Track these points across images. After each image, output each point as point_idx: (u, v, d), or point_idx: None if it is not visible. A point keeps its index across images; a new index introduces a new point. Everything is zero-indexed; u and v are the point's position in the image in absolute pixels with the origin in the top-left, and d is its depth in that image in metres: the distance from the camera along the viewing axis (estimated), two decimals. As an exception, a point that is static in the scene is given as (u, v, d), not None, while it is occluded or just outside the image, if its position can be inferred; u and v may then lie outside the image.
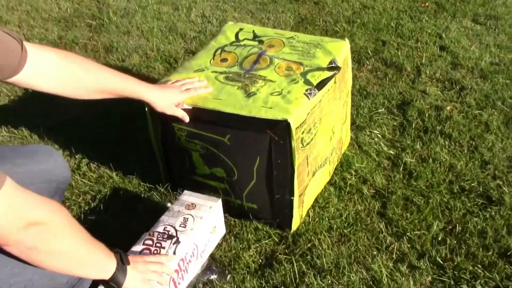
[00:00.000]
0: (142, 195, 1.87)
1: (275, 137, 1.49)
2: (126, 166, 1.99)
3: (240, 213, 1.73)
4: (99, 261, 1.21)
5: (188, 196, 1.62)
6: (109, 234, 1.68)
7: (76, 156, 2.06)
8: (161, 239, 1.45)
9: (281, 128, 1.47)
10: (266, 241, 1.68)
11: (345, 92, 1.86)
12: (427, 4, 3.34)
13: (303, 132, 1.53)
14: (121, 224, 1.75)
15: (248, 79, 1.63)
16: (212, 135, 1.57)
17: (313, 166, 1.68)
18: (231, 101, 1.53)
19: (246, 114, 1.49)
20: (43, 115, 2.30)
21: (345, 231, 1.70)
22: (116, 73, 1.46)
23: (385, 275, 1.55)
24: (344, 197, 1.83)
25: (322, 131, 1.68)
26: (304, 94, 1.54)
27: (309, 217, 1.76)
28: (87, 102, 1.48)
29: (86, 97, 1.46)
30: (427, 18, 3.14)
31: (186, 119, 1.57)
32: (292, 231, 1.70)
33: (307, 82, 1.59)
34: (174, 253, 1.41)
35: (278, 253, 1.65)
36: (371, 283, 1.54)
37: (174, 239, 1.44)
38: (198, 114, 1.56)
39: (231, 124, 1.52)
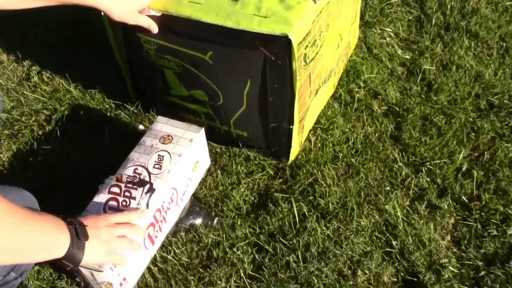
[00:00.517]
0: (108, 114, 1.55)
1: (271, 56, 1.14)
2: (87, 77, 1.64)
3: (226, 140, 1.43)
4: (47, 243, 0.91)
5: (162, 125, 1.29)
6: (68, 168, 1.40)
7: (24, 63, 1.70)
8: (130, 186, 1.15)
9: (279, 46, 1.12)
10: (259, 175, 1.40)
11: (357, -16, 1.47)
12: None
13: (307, 46, 1.18)
14: (82, 154, 1.45)
15: (234, -26, 1.24)
16: (189, 51, 1.21)
17: (316, 83, 1.35)
18: (213, 7, 1.16)
19: (233, 26, 1.13)
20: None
21: (352, 160, 1.42)
22: None
23: (400, 218, 1.30)
24: (351, 115, 1.53)
25: (329, 40, 1.33)
26: (309, -4, 1.17)
27: (310, 142, 1.46)
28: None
29: (21, 5, 1.08)
30: None
31: (154, 29, 1.21)
32: (289, 161, 1.42)
33: (312, -21, 1.21)
34: (147, 205, 1.12)
35: (273, 190, 1.37)
36: (384, 228, 1.30)
37: (147, 186, 1.15)
38: (169, 23, 1.20)
39: (214, 38, 1.17)
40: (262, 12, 1.12)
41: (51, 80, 1.65)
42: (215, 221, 1.32)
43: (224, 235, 1.29)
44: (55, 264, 1.19)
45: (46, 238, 0.90)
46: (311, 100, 1.36)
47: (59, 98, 1.59)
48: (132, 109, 1.54)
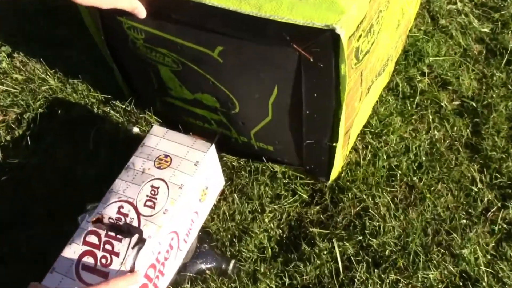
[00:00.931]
0: (94, 114, 1.20)
1: (309, 56, 0.76)
2: (68, 63, 1.28)
3: (246, 152, 1.08)
4: None
5: (159, 140, 0.93)
6: (42, 187, 1.08)
7: (-9, 43, 1.34)
8: (113, 234, 0.82)
9: (322, 42, 0.74)
10: (290, 200, 1.05)
11: None
12: None
13: (360, 37, 0.80)
14: (63, 164, 1.11)
15: None
16: (190, 44, 0.84)
17: (368, 80, 0.97)
18: (223, -18, 0.77)
19: (251, 12, 0.74)
20: None
21: (414, 179, 1.06)
22: None
23: (483, 268, 0.94)
24: (411, 113, 1.15)
25: (388, 20, 0.94)
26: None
27: (357, 152, 1.10)
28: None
29: None
30: None
31: (141, 13, 0.84)
32: (330, 181, 1.06)
33: None
34: (133, 264, 0.79)
35: (308, 221, 1.03)
36: (461, 283, 0.94)
37: (135, 239, 0.81)
38: (163, 5, 0.82)
39: (224, 28, 0.79)
40: (295, -8, 0.74)
41: (24, 65, 1.30)
42: (231, 265, 0.99)
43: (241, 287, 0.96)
44: None
45: None
46: (361, 103, 0.98)
47: (34, 89, 1.25)
48: (124, 106, 1.18)
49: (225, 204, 1.06)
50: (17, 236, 1.04)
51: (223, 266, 0.99)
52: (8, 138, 1.18)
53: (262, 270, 0.98)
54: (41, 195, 1.09)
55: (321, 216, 1.04)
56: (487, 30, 1.28)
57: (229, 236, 1.02)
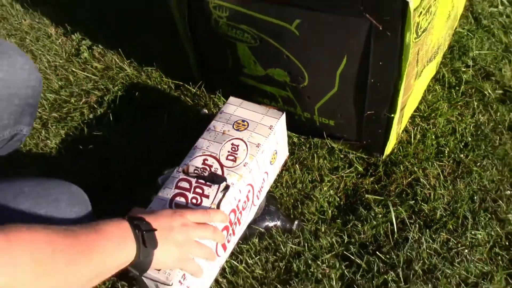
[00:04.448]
0: (167, 97, 1.33)
1: (379, 25, 0.88)
2: (142, 52, 1.43)
3: (307, 129, 1.19)
4: (108, 264, 0.72)
5: (235, 108, 1.06)
6: (122, 158, 1.20)
7: (73, 36, 1.50)
8: (202, 181, 0.93)
9: (392, 11, 0.86)
10: (347, 171, 1.16)
11: None
12: None
13: (421, 13, 0.92)
14: (139, 142, 1.24)
15: None
16: (270, 19, 0.97)
17: (422, 63, 1.09)
18: (303, -39, 0.91)
19: (330, -15, 0.87)
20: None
21: (461, 156, 1.16)
22: None
23: (528, 230, 1.03)
24: (457, 101, 1.26)
25: (442, 7, 1.06)
26: None
27: (408, 133, 1.20)
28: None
29: None
30: None
31: (228, -8, 0.97)
32: (384, 156, 1.17)
33: None
34: (219, 205, 0.90)
35: (364, 191, 1.13)
36: (507, 243, 1.03)
37: (223, 185, 0.92)
38: (247, -17, 0.96)
39: (303, 1, 0.92)
40: (368, -33, 0.87)
41: (103, 56, 1.45)
42: (295, 224, 1.09)
43: (305, 243, 1.06)
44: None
45: (109, 259, 0.72)
46: (415, 82, 1.10)
47: (112, 76, 1.39)
48: (194, 90, 1.32)
49: (287, 174, 1.17)
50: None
51: (287, 225, 1.09)
52: (91, 116, 1.32)
53: (323, 230, 1.08)
54: (121, 165, 1.22)
55: (375, 186, 1.14)
56: (526, 29, 1.40)
57: (292, 200, 1.13)
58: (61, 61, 1.45)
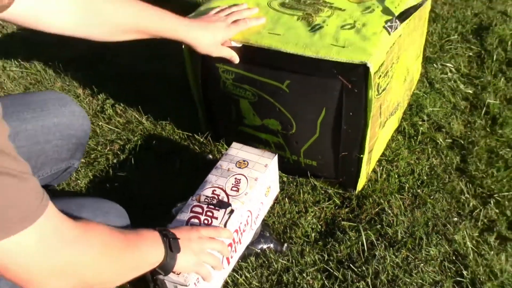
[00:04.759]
0: (178, 145, 1.61)
1: (348, 85, 1.19)
2: (158, 109, 1.71)
3: (294, 170, 1.47)
4: (145, 262, 0.97)
5: (237, 151, 1.35)
6: (142, 197, 1.45)
7: (99, 96, 1.79)
8: (212, 207, 1.20)
9: (358, 74, 1.17)
10: (326, 204, 1.43)
11: (423, 19, 1.52)
12: None
13: (380, 76, 1.22)
14: (155, 182, 1.50)
15: (310, 7, 1.31)
16: (267, 80, 1.27)
17: (385, 115, 1.39)
18: (292, 37, 1.22)
19: (312, 55, 1.18)
20: (60, 45, 1.99)
21: (418, 191, 1.44)
22: (148, 6, 1.15)
23: (470, 248, 1.30)
24: (415, 148, 1.55)
25: (398, 73, 1.38)
26: (384, 27, 1.22)
27: (376, 173, 1.49)
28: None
29: (109, 38, 1.16)
30: None
31: (235, 59, 1.27)
32: (356, 191, 1.44)
33: (386, 11, 1.27)
34: (225, 225, 1.16)
35: (340, 219, 1.40)
36: (453, 258, 1.30)
37: (229, 209, 1.19)
38: (249, 53, 1.26)
39: (292, 67, 1.22)
40: (340, 43, 1.18)
41: (124, 112, 1.73)
42: (284, 246, 1.35)
43: (293, 260, 1.31)
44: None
45: (146, 257, 0.96)
46: (379, 132, 1.39)
47: (132, 129, 1.67)
48: (201, 139, 1.60)
49: (278, 206, 1.43)
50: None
51: (278, 247, 1.35)
52: (114, 161, 1.58)
53: (307, 249, 1.33)
54: (141, 200, 1.48)
55: (350, 215, 1.41)
56: (470, 91, 1.71)
57: (282, 227, 1.39)
58: (88, 117, 1.73)
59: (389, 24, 1.23)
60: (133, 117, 1.70)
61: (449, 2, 2.10)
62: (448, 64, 1.81)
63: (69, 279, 0.81)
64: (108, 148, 1.62)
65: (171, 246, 1.00)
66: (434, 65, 1.80)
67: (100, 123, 1.69)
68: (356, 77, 1.17)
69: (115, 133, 1.67)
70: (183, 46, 1.33)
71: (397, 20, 1.24)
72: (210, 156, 1.57)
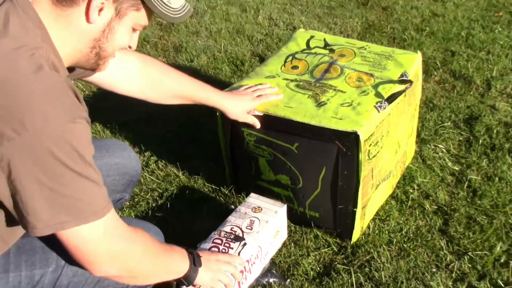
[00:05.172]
0: (207, 196, 1.93)
1: (343, 148, 1.51)
2: (193, 166, 2.06)
3: (301, 220, 1.76)
4: (174, 268, 1.27)
5: (254, 199, 1.66)
6: (174, 232, 1.76)
7: (145, 154, 2.15)
8: (229, 240, 1.50)
9: (350, 140, 1.49)
10: (325, 250, 1.71)
11: (414, 106, 1.86)
12: (500, 14, 3.27)
13: (370, 144, 1.54)
14: (185, 223, 1.81)
15: (318, 88, 1.66)
16: (281, 142, 1.61)
17: (377, 179, 1.69)
18: (302, 110, 1.57)
19: (316, 123, 1.52)
20: (117, 111, 2.40)
21: (404, 245, 1.71)
22: (193, 80, 1.53)
23: (444, 294, 1.55)
24: (405, 211, 1.84)
25: (388, 145, 1.69)
26: (374, 106, 1.55)
27: (370, 229, 1.77)
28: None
29: (162, 101, 1.53)
30: (500, 29, 3.08)
31: (257, 125, 1.62)
32: (352, 242, 1.72)
33: (378, 94, 1.61)
34: (239, 254, 1.45)
35: (336, 263, 1.67)
36: (429, 300, 1.55)
37: (242, 242, 1.49)
38: (268, 120, 1.61)
39: (301, 132, 1.56)
40: (338, 116, 1.52)
41: (165, 167, 2.08)
42: (287, 281, 1.62)
43: (294, 293, 1.58)
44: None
45: (175, 265, 1.26)
46: (372, 192, 1.69)
47: (170, 181, 2.01)
48: (226, 192, 1.92)
49: (285, 249, 1.72)
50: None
51: (282, 281, 1.63)
52: (153, 204, 1.91)
53: (306, 285, 1.60)
54: (174, 237, 1.78)
55: (344, 260, 1.68)
56: (456, 168, 2.01)
57: (287, 266, 1.67)
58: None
59: (379, 104, 1.56)
60: (172, 171, 2.04)
61: (446, 96, 2.45)
62: (440, 145, 2.12)
63: (119, 266, 1.12)
64: (149, 194, 1.96)
65: (195, 261, 1.30)
66: (428, 145, 2.12)
67: (144, 174, 2.03)
68: (349, 143, 1.49)
69: (156, 183, 2.00)
70: (217, 113, 1.69)
71: (385, 102, 1.57)
72: (232, 206, 1.88)
